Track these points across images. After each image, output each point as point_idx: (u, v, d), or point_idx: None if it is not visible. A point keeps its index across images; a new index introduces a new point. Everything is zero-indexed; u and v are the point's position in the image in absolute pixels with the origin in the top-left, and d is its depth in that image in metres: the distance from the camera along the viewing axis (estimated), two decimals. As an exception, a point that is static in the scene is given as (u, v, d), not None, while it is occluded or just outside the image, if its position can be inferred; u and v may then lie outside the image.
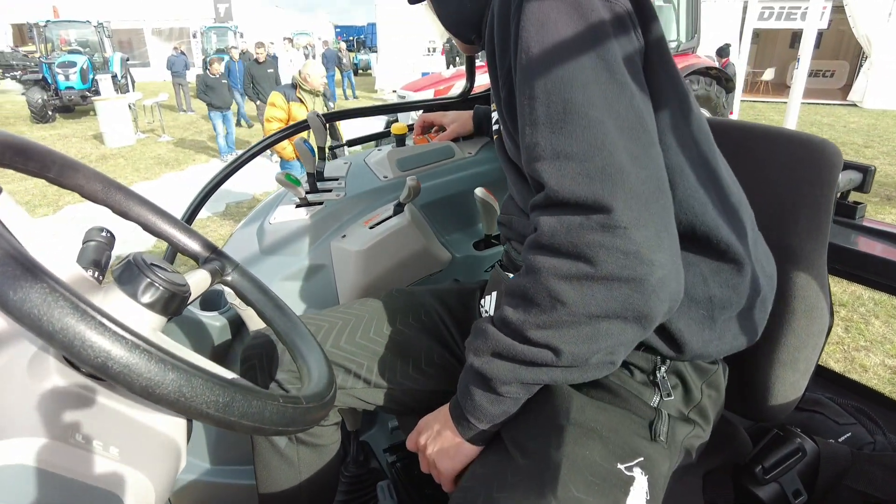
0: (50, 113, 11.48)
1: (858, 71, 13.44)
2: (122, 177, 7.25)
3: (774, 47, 16.64)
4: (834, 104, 13.08)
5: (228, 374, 0.53)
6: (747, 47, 10.42)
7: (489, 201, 1.26)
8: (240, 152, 1.27)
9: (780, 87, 15.03)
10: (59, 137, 10.05)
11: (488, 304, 0.91)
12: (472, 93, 1.66)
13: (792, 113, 6.61)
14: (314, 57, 10.23)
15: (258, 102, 8.34)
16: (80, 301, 0.38)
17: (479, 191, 1.26)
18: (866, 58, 12.84)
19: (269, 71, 8.37)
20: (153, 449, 0.55)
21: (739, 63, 10.32)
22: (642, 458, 0.67)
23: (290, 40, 12.59)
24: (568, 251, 0.57)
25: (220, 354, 1.21)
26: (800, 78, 6.55)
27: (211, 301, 1.27)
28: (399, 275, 1.25)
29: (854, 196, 1.19)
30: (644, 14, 0.67)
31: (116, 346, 0.38)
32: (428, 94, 7.38)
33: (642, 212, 0.56)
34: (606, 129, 0.57)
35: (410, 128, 1.58)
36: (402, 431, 1.17)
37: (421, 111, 1.72)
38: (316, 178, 1.34)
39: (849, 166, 1.15)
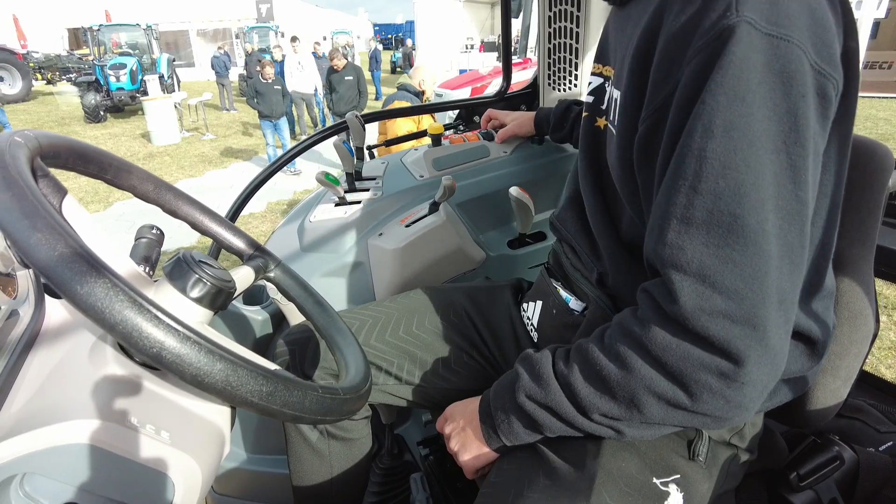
0: (102, 113, 12.00)
1: (918, 62, 12.76)
2: (167, 174, 7.52)
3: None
4: (892, 97, 12.43)
5: (271, 366, 0.56)
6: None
7: (524, 200, 1.26)
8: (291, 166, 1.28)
9: (834, 80, 14.35)
10: (109, 136, 10.48)
11: (532, 311, 0.91)
12: (508, 91, 1.66)
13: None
14: (353, 58, 9.49)
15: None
16: (138, 296, 0.41)
17: (513, 190, 1.26)
18: (927, 48, 12.16)
19: (347, 78, 7.12)
20: (200, 435, 0.58)
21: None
22: (679, 476, 0.66)
23: (318, 43, 11.50)
24: (672, 374, 0.54)
25: (261, 347, 1.26)
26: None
27: (253, 296, 1.32)
28: (434, 272, 1.27)
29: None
30: (850, 83, 0.56)
31: (170, 337, 0.41)
32: (465, 92, 7.38)
33: (769, 369, 0.52)
34: (769, 262, 0.50)
35: (447, 126, 1.60)
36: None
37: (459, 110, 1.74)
38: (354, 177, 1.37)
39: None
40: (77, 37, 20.18)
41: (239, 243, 0.81)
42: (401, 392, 0.93)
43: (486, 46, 15.15)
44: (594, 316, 0.78)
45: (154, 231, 0.79)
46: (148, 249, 0.76)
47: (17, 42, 17.54)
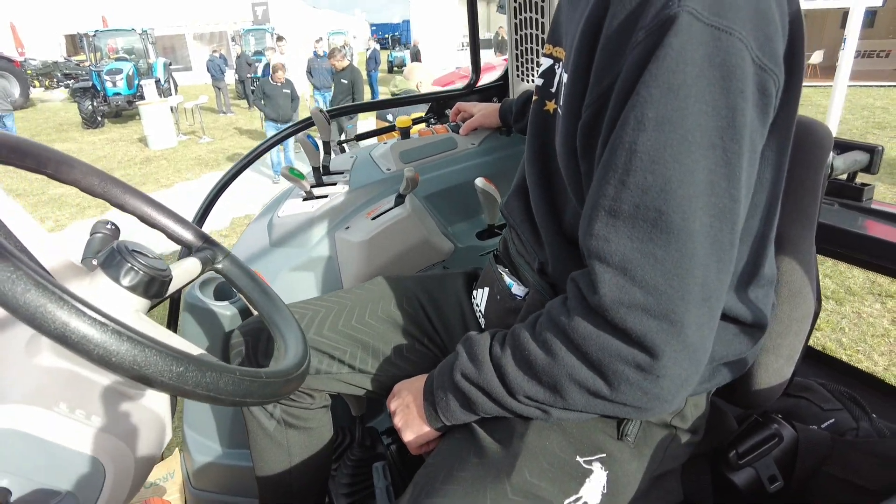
0: (99, 119, 12.06)
1: (917, 50, 12.71)
2: (164, 177, 7.55)
3: (823, 28, 15.85)
4: (890, 86, 12.37)
5: (194, 351, 0.57)
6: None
7: (490, 191, 1.27)
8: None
9: (830, 70, 14.20)
10: (107, 142, 10.53)
11: (480, 297, 0.92)
12: (477, 84, 1.67)
13: (837, 96, 6.29)
14: (350, 57, 8.90)
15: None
16: (42, 278, 0.42)
17: (479, 181, 1.27)
18: (924, 35, 12.11)
19: (342, 81, 6.98)
20: (134, 420, 0.59)
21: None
22: (604, 455, 0.67)
23: (318, 41, 10.90)
24: (592, 363, 0.55)
25: (229, 342, 1.27)
26: (846, 59, 6.21)
27: (223, 291, 1.33)
28: (401, 264, 1.28)
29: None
30: (792, 79, 0.55)
31: (74, 318, 0.42)
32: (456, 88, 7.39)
33: (686, 364, 0.52)
34: (693, 259, 0.50)
35: (416, 121, 1.61)
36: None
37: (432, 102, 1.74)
38: (321, 172, 1.38)
39: (855, 146, 1.11)
40: (74, 43, 20.23)
41: (187, 235, 0.82)
42: (356, 380, 0.94)
43: (483, 44, 15.16)
44: (533, 301, 0.79)
45: (109, 226, 0.81)
46: (102, 244, 0.77)
47: (15, 50, 17.61)
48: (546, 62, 0.79)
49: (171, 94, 12.82)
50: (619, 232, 0.52)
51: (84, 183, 0.75)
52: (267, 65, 9.29)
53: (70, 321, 0.42)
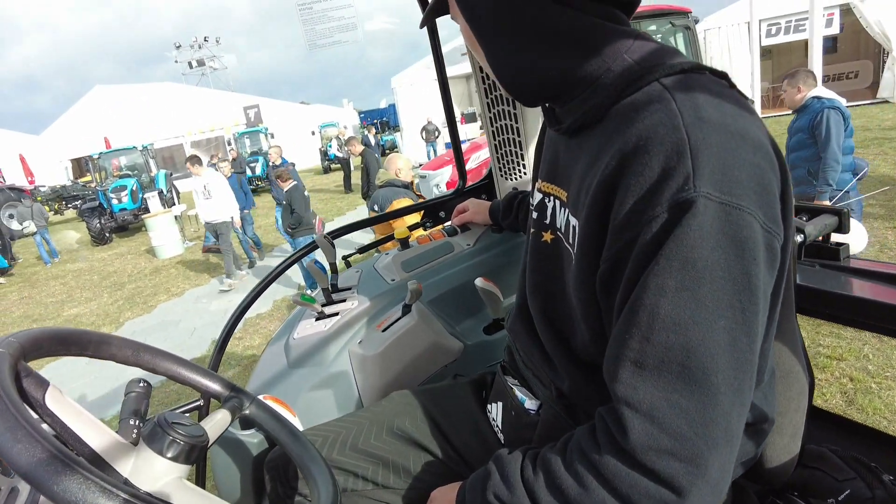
0: (107, 235, 12.49)
1: (883, 67, 13.20)
2: (174, 286, 7.71)
3: (790, 60, 16.56)
4: (864, 104, 12.77)
5: None
6: (758, 65, 10.47)
7: (490, 290, 1.35)
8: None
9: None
10: (116, 256, 10.82)
11: (495, 412, 0.97)
12: (466, 186, 1.79)
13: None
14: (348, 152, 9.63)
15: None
16: (109, 485, 0.48)
17: (479, 281, 1.34)
18: (888, 54, 12.62)
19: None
20: None
21: (753, 81, 10.33)
22: None
23: (230, 156, 10.84)
24: (622, 498, 0.58)
25: (259, 467, 1.30)
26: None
27: (248, 420, 1.38)
28: (415, 370, 1.34)
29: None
30: (786, 231, 0.61)
31: None
32: (447, 171, 7.68)
33: (709, 497, 0.56)
34: (716, 409, 0.55)
35: (411, 227, 1.71)
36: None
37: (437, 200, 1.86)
38: (330, 291, 1.47)
39: (822, 211, 1.19)
40: (80, 165, 21.18)
41: (216, 387, 0.89)
42: (379, 496, 0.97)
43: (467, 118, 15.79)
44: (548, 418, 0.84)
45: (141, 384, 0.88)
46: (137, 403, 0.83)
47: (25, 179, 18.41)
48: (538, 196, 0.86)
49: (174, 203, 13.29)
50: (646, 381, 0.57)
51: (119, 356, 0.82)
52: (266, 164, 9.63)
53: None
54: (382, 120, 31.13)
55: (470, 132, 13.88)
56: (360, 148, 7.77)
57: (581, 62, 0.68)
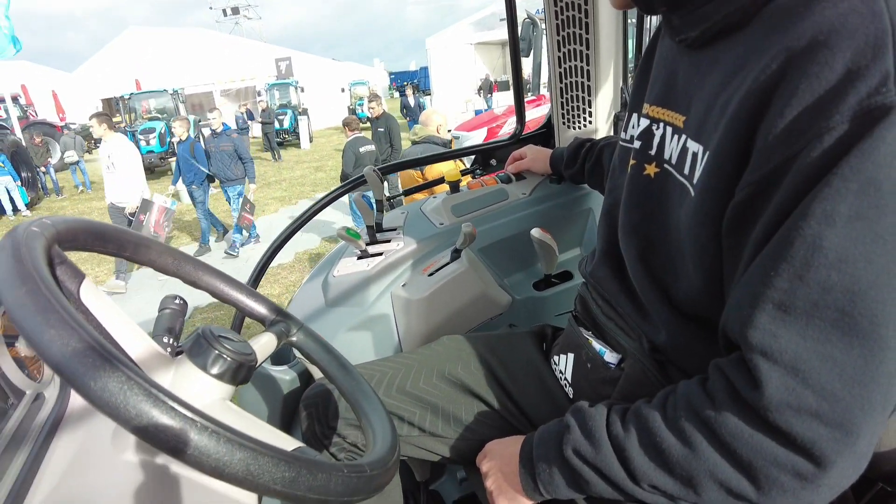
0: (134, 175, 12.57)
1: None
2: (196, 231, 7.73)
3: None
4: None
5: (292, 444, 0.54)
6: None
7: (547, 241, 1.25)
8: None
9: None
10: (142, 198, 10.89)
11: (564, 363, 0.88)
12: (524, 132, 1.67)
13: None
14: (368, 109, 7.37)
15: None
16: (153, 388, 0.40)
17: (535, 231, 1.24)
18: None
19: (379, 130, 6.53)
20: None
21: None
22: None
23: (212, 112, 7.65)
24: (740, 464, 0.50)
25: (290, 406, 1.24)
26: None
27: (281, 355, 1.31)
28: (460, 320, 1.25)
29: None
30: None
31: (187, 430, 0.40)
32: (481, 133, 7.50)
33: (851, 473, 0.48)
34: (879, 367, 0.45)
35: (464, 172, 1.61)
36: (471, 481, 1.16)
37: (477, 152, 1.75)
38: (375, 229, 1.38)
39: None
40: (111, 106, 21.25)
41: (261, 309, 0.81)
42: (426, 444, 0.90)
43: (500, 86, 15.46)
44: (633, 373, 0.75)
45: (177, 301, 0.80)
46: (171, 320, 0.76)
47: (56, 115, 18.54)
48: (643, 122, 0.75)
49: (201, 149, 13.31)
50: (790, 328, 0.47)
51: (159, 262, 0.74)
52: (294, 117, 9.28)
53: (183, 434, 0.40)
54: (413, 82, 30.71)
55: (503, 102, 13.59)
56: (380, 110, 6.62)
57: None
